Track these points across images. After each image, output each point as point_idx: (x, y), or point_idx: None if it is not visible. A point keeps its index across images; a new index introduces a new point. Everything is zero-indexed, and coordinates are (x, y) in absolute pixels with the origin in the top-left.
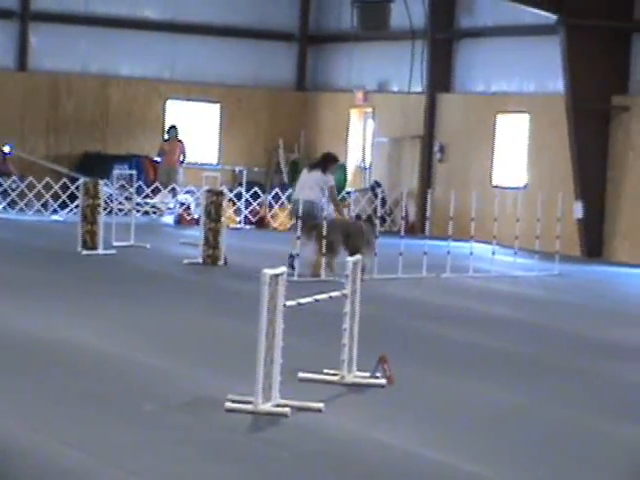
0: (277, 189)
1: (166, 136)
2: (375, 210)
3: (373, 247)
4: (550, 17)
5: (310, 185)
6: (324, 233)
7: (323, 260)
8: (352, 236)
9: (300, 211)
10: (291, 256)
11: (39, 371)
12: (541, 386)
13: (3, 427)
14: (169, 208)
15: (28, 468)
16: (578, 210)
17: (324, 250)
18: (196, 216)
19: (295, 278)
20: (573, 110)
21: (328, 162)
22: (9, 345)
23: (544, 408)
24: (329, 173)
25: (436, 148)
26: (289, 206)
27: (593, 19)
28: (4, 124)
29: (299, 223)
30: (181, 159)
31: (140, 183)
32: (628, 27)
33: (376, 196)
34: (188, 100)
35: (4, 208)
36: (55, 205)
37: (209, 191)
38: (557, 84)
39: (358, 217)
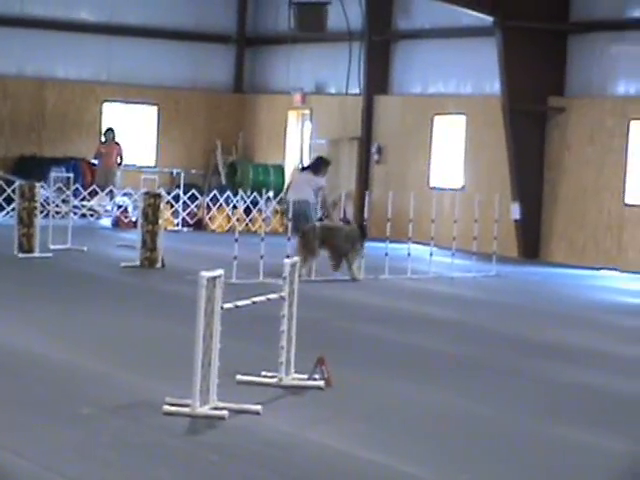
0: (215, 191)
1: (103, 138)
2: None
3: (360, 251)
4: (487, 19)
5: (300, 185)
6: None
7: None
8: (336, 240)
9: (291, 211)
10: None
11: None
12: (477, 386)
13: None
14: (106, 211)
15: None
16: (515, 211)
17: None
18: (134, 219)
19: (234, 280)
20: (509, 111)
21: (320, 164)
22: None
23: (479, 408)
24: (321, 175)
25: (374, 150)
26: (278, 207)
27: (529, 21)
28: None
29: (290, 224)
30: (118, 161)
31: (77, 186)
32: (564, 29)
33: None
34: (125, 102)
35: None
36: None
37: (146, 193)
38: (494, 86)
39: (347, 221)
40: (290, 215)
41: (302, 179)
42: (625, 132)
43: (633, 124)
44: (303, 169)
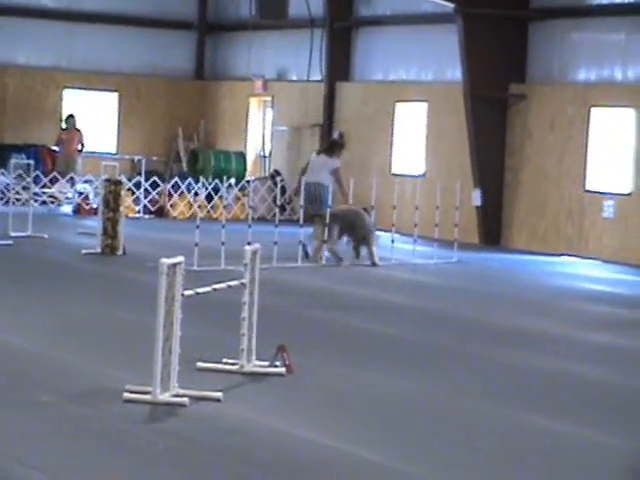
0: (176, 178)
1: (64, 125)
2: (275, 198)
3: (375, 235)
4: (448, 5)
5: (316, 168)
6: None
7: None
8: (356, 225)
9: (306, 194)
10: (302, 243)
11: None
12: (438, 373)
13: None
14: (67, 198)
15: None
16: (476, 198)
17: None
18: (95, 206)
19: (195, 268)
20: (471, 98)
21: (334, 146)
22: None
23: (439, 394)
24: (335, 157)
25: (335, 136)
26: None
27: (490, 8)
28: None
29: (304, 207)
30: (79, 148)
31: (38, 173)
32: (525, 16)
33: (276, 185)
34: (86, 89)
35: None
36: None
37: (107, 180)
38: (455, 72)
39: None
40: (304, 197)
41: (318, 162)
42: (586, 119)
43: (594, 111)
44: (319, 152)
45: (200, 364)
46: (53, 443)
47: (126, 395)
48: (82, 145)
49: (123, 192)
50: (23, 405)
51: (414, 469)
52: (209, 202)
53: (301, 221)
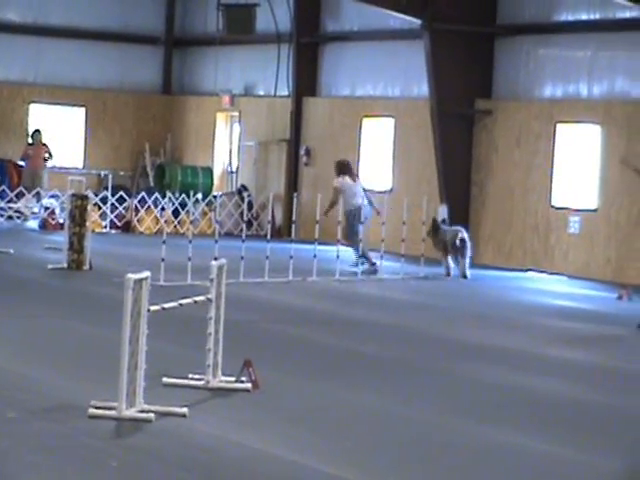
0: (143, 193)
1: (30, 140)
2: (241, 214)
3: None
4: (415, 21)
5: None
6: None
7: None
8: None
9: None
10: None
11: None
12: (403, 388)
13: None
14: (33, 213)
15: None
16: (443, 213)
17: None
18: (61, 220)
19: (162, 283)
20: (437, 114)
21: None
22: None
23: (404, 410)
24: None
25: (302, 152)
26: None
27: (457, 24)
28: None
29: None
30: (46, 159)
31: (4, 187)
32: (491, 32)
33: (243, 200)
34: (52, 104)
35: None
36: None
37: (74, 195)
38: (422, 88)
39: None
40: (359, 219)
41: (355, 186)
42: (551, 135)
43: (559, 127)
44: (345, 177)
45: (166, 379)
46: (18, 459)
47: (91, 411)
48: (49, 156)
49: (89, 207)
50: None
51: None
52: (176, 217)
53: (269, 236)
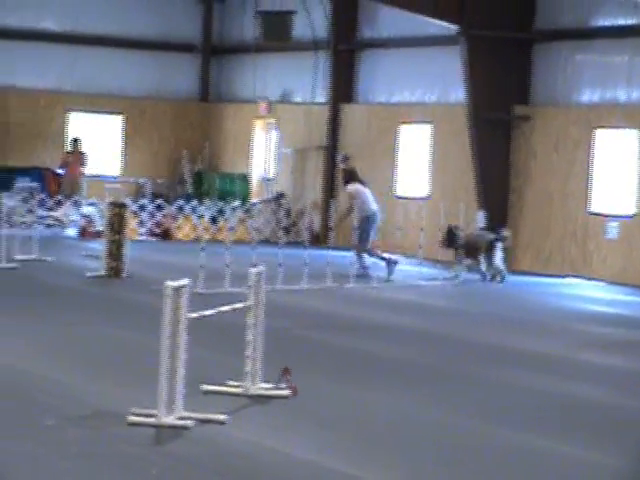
0: (181, 200)
1: (68, 148)
2: (279, 221)
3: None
4: (451, 28)
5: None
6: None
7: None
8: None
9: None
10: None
11: None
12: (443, 395)
13: None
14: (72, 221)
15: None
16: (480, 219)
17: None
18: (99, 228)
19: (200, 290)
20: (474, 120)
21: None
22: None
23: (444, 417)
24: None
25: (339, 159)
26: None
27: (494, 30)
28: None
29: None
30: (83, 171)
31: (43, 195)
32: (529, 38)
33: (280, 207)
34: (90, 112)
35: None
36: None
37: (112, 203)
38: (459, 94)
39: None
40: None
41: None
42: (589, 140)
43: (597, 132)
44: (356, 183)
45: (205, 387)
46: (55, 467)
47: (130, 418)
48: (84, 166)
49: (127, 215)
50: (27, 428)
51: None
52: (213, 224)
53: (306, 243)
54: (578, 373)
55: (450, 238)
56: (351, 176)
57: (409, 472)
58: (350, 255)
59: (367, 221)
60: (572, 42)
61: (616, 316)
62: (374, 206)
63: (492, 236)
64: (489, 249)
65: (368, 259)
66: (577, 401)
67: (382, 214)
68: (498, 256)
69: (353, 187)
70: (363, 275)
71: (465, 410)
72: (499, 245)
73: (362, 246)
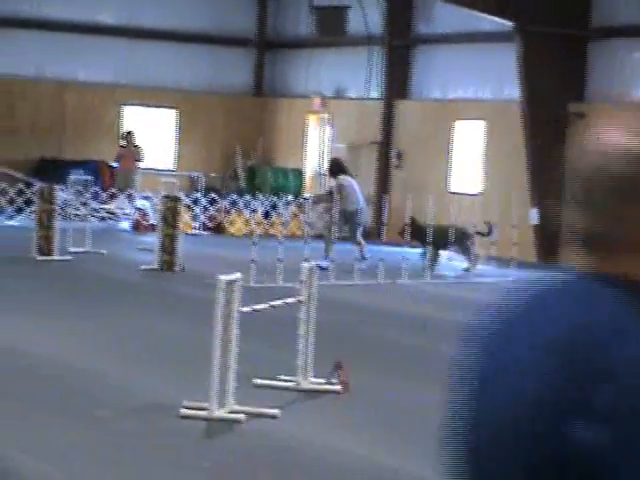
0: (234, 195)
1: (123, 142)
2: (332, 216)
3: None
4: (507, 24)
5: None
6: None
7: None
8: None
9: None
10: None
11: None
12: None
13: None
14: (126, 214)
15: None
16: (534, 217)
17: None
18: (153, 222)
19: (252, 284)
20: (529, 117)
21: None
22: None
23: None
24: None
25: (393, 154)
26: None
27: (549, 26)
28: None
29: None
30: (137, 164)
31: (96, 188)
32: (585, 35)
33: (333, 202)
34: (144, 106)
35: None
36: (11, 210)
37: (166, 197)
38: (513, 91)
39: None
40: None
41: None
42: None
43: None
44: (346, 175)
45: (257, 381)
46: (105, 457)
47: (183, 411)
48: (140, 161)
49: (181, 208)
50: (78, 418)
51: None
52: (266, 218)
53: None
54: None
55: (415, 230)
56: (339, 167)
57: None
58: (401, 250)
59: (352, 215)
60: (628, 40)
61: None
62: (361, 202)
63: (464, 229)
64: (464, 241)
65: (366, 249)
66: None
67: (367, 212)
68: (474, 248)
69: (344, 178)
70: (365, 266)
71: None
72: (475, 239)
73: (355, 237)
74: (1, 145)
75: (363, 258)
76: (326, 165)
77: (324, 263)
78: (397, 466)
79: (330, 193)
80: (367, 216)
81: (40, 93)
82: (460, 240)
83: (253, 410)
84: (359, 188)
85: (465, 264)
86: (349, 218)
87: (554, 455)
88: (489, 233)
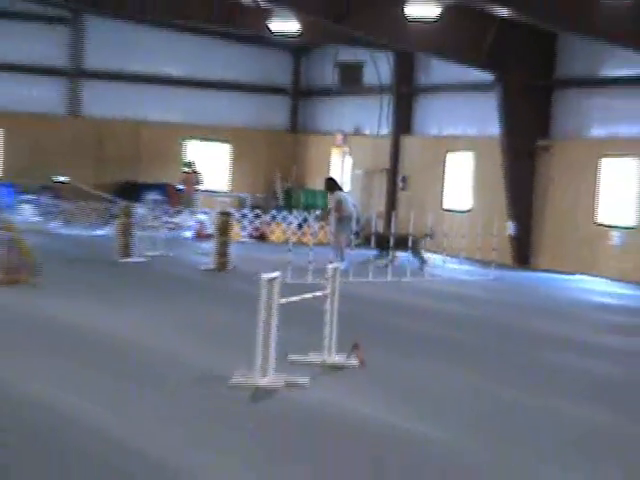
0: (274, 211)
1: (186, 169)
2: (351, 227)
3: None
4: (488, 76)
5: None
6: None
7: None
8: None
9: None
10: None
11: (81, 352)
12: (482, 366)
13: (52, 394)
14: (188, 225)
15: (69, 427)
16: (510, 228)
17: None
18: (210, 232)
19: (288, 281)
20: (507, 149)
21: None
22: (58, 331)
23: (483, 383)
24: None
25: (399, 179)
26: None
27: (522, 78)
28: (58, 159)
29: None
30: (197, 187)
31: (166, 206)
32: (549, 85)
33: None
34: (204, 140)
35: (60, 225)
36: (100, 223)
37: (220, 212)
38: (495, 129)
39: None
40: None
41: (349, 198)
42: (597, 166)
43: (603, 160)
44: (340, 191)
45: (291, 357)
46: (173, 417)
47: (232, 381)
48: (199, 184)
49: (232, 221)
50: (147, 385)
51: (473, 444)
52: (299, 229)
53: (372, 244)
54: (595, 353)
55: (380, 238)
56: (335, 185)
57: (454, 424)
58: (405, 254)
59: (346, 221)
60: (582, 89)
61: (618, 306)
62: (352, 210)
63: (415, 236)
64: (416, 244)
65: (346, 252)
66: (606, 378)
67: (360, 214)
68: (422, 249)
69: (339, 193)
70: (343, 266)
71: (512, 381)
72: (424, 240)
73: (339, 240)
74: (93, 172)
75: (342, 259)
76: (347, 187)
77: (343, 265)
78: (409, 426)
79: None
80: (360, 220)
81: (122, 130)
82: (414, 243)
83: (288, 380)
84: (351, 200)
85: (418, 263)
86: (345, 222)
87: None
88: (432, 236)
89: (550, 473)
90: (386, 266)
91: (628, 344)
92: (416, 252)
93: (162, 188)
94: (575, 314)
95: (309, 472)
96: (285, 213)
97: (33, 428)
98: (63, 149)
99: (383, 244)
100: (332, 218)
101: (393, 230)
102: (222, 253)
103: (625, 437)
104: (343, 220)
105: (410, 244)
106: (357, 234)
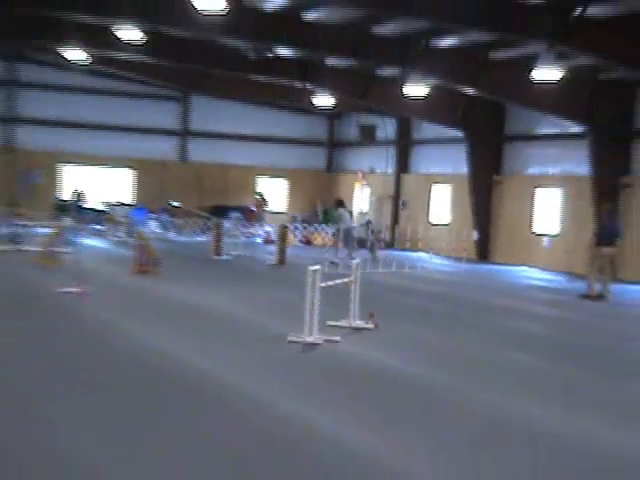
0: (316, 224)
1: (257, 196)
2: (368, 235)
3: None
4: (459, 133)
5: (350, 218)
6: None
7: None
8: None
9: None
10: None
11: (188, 319)
12: (456, 328)
13: (171, 347)
14: (259, 234)
15: (181, 367)
16: (475, 235)
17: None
18: (274, 239)
19: (326, 271)
20: (472, 183)
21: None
22: (173, 304)
23: (462, 344)
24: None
25: (400, 202)
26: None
27: (482, 134)
28: (173, 191)
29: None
30: (265, 208)
31: (244, 221)
32: (501, 138)
33: (369, 228)
34: (269, 177)
35: (174, 234)
36: (200, 232)
37: (280, 225)
38: (464, 169)
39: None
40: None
41: (348, 214)
42: (533, 194)
43: (537, 190)
44: (343, 208)
45: (328, 322)
46: (245, 365)
47: (289, 338)
48: (266, 206)
49: (288, 232)
50: (227, 342)
51: (474, 389)
52: (333, 237)
53: (383, 246)
54: (529, 318)
55: (346, 239)
56: (341, 203)
57: (444, 368)
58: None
59: (347, 231)
60: (524, 141)
61: (549, 286)
62: (350, 223)
63: (372, 236)
64: (372, 244)
65: (343, 253)
66: (540, 337)
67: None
68: (376, 249)
69: (342, 210)
70: (336, 264)
71: (469, 337)
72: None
73: (344, 244)
74: (196, 199)
75: (339, 259)
76: (365, 208)
77: (353, 262)
78: (419, 371)
79: (367, 223)
80: (374, 230)
81: (214, 171)
82: (371, 244)
83: (327, 337)
84: (349, 216)
85: (370, 256)
86: (345, 233)
87: None
88: (373, 232)
89: (496, 397)
90: (374, 260)
91: (551, 312)
92: (372, 249)
93: (241, 209)
94: (518, 292)
95: (354, 401)
96: (323, 226)
97: (160, 368)
98: (176, 184)
99: (365, 245)
100: (337, 227)
101: (371, 237)
102: (281, 253)
103: (546, 374)
104: (341, 230)
105: (368, 245)
106: (371, 248)
